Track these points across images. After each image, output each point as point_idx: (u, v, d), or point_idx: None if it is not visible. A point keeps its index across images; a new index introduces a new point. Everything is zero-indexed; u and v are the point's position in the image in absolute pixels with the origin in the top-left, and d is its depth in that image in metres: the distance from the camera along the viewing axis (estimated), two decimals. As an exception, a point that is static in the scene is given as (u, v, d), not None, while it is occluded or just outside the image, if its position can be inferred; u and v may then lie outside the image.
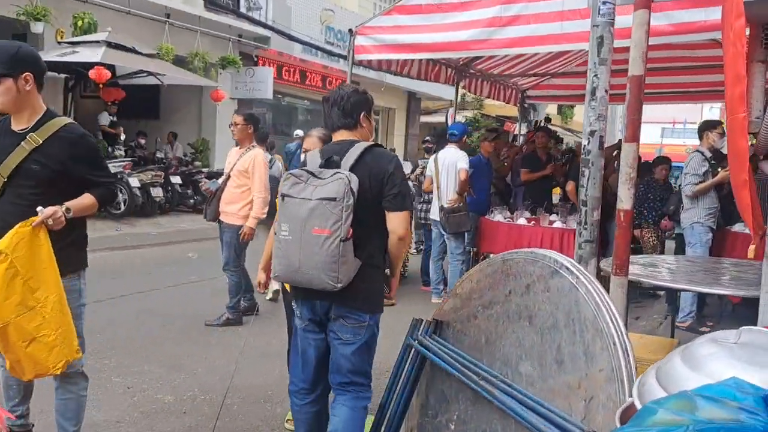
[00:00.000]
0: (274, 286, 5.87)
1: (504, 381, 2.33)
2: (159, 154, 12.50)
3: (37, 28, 9.90)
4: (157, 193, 10.92)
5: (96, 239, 9.10)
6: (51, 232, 2.53)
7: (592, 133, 2.64)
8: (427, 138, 10.75)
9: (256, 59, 14.78)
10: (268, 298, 6.09)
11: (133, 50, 10.38)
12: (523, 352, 2.35)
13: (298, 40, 14.82)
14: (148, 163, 11.76)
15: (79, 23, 10.39)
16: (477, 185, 6.78)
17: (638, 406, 1.29)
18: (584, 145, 2.67)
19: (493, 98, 9.84)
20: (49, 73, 10.68)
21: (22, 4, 9.73)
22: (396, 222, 2.69)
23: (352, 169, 2.61)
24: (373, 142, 2.82)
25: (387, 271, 2.89)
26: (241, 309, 5.48)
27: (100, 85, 10.02)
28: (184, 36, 12.44)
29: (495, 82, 9.38)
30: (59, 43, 10.43)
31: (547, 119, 9.98)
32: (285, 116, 17.94)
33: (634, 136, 2.53)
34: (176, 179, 11.52)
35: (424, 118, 22.22)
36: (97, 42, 9.95)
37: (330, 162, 2.65)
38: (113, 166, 10.27)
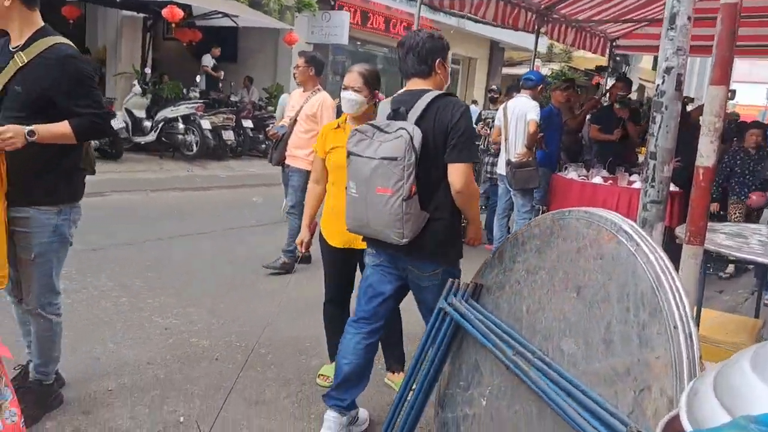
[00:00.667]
0: None
1: (542, 358, 2.01)
2: (234, 98, 12.52)
3: (116, -34, 9.96)
4: (228, 136, 10.96)
5: (166, 179, 9.28)
6: (29, 159, 2.39)
7: (668, 70, 2.15)
8: (493, 87, 10.16)
9: (333, 3, 14.42)
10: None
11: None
12: (567, 326, 2.02)
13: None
14: (222, 106, 11.80)
15: (157, -39, 10.37)
16: (548, 138, 6.26)
17: (684, 420, 0.96)
18: (658, 85, 2.21)
19: (578, 47, 9.10)
20: (127, 12, 10.92)
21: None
22: (455, 175, 2.53)
23: (418, 122, 2.50)
24: (443, 92, 2.66)
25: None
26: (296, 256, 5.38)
27: (173, 25, 10.00)
28: (261, -23, 12.25)
29: (581, 29, 8.65)
30: (138, -19, 10.49)
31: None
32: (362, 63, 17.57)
33: (722, 77, 2.07)
34: (248, 123, 11.52)
35: (506, 70, 21.28)
36: (174, -20, 9.91)
37: (397, 113, 2.56)
38: (186, 107, 10.38)
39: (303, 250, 3.34)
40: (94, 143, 9.43)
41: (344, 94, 3.02)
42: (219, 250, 5.75)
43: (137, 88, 10.51)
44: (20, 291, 2.65)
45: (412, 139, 2.43)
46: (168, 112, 10.45)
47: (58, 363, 2.84)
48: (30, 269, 2.56)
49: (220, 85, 12.84)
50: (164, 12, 9.31)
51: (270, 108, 12.71)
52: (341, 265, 3.25)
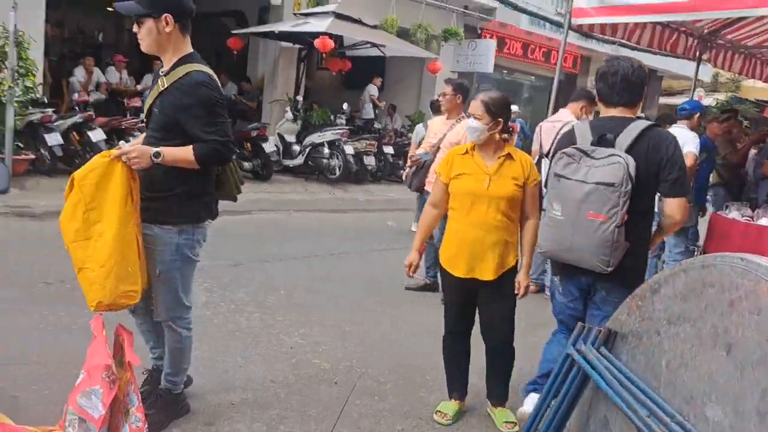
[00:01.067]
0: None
1: (681, 424, 1.76)
2: (377, 125, 12.85)
3: (276, 0, 10.67)
4: (369, 161, 11.25)
5: (310, 201, 9.67)
6: (156, 180, 2.53)
7: None
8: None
9: (479, 32, 14.41)
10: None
11: (359, 21, 10.70)
12: (713, 389, 1.75)
13: (525, 11, 14.08)
14: (365, 132, 12.15)
15: (313, -5, 11.00)
16: (700, 172, 5.72)
17: None
18: None
19: (747, 75, 8.26)
20: (285, 44, 11.62)
21: (264, -22, 10.56)
22: (675, 207, 2.63)
23: (628, 151, 2.54)
24: (650, 122, 2.72)
25: None
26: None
27: (324, 55, 10.49)
28: (409, 8, 12.51)
29: (751, 55, 7.84)
30: (294, 14, 11.15)
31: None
32: (508, 92, 17.35)
33: None
34: (389, 150, 11.76)
35: (664, 100, 19.96)
36: (327, 13, 10.43)
37: (603, 140, 2.60)
38: (332, 133, 10.80)
39: (410, 273, 3.28)
40: (247, 164, 10.08)
41: (467, 122, 3.03)
42: (350, 272, 5.83)
43: (289, 115, 11.14)
44: (152, 303, 2.77)
45: (628, 167, 2.46)
46: (315, 138, 10.96)
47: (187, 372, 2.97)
48: (157, 284, 2.68)
49: (377, 111, 13.30)
50: (316, 42, 9.80)
51: (411, 135, 12.88)
52: (462, 295, 3.15)
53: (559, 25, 14.73)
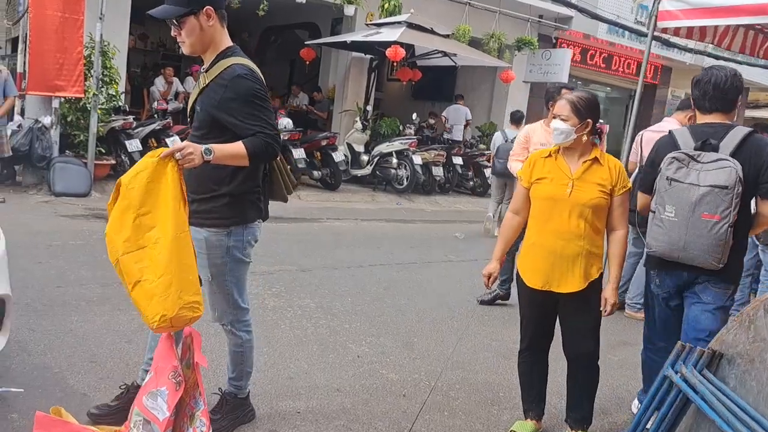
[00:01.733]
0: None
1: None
2: (446, 135, 12.70)
3: (349, 10, 10.73)
4: (437, 172, 11.09)
5: (376, 210, 9.60)
6: (203, 180, 2.42)
7: None
8: None
9: (554, 41, 14.06)
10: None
11: (430, 31, 10.61)
12: None
13: (604, 20, 13.61)
14: (435, 143, 12.02)
15: (386, 5, 10.97)
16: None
17: None
18: None
19: None
20: (356, 54, 11.67)
21: (340, -11, 10.64)
22: None
23: (732, 155, 2.69)
24: (750, 128, 2.82)
25: None
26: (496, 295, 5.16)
27: (394, 65, 10.44)
28: (482, 17, 12.33)
29: None
30: (366, 25, 11.18)
31: None
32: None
33: None
34: (458, 160, 11.56)
35: (750, 113, 18.89)
36: (399, 23, 10.39)
37: (706, 144, 2.74)
38: (400, 143, 10.73)
39: (489, 285, 3.05)
40: (316, 173, 10.12)
41: (553, 123, 2.82)
42: (417, 283, 5.69)
43: (358, 125, 11.15)
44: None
45: (737, 171, 2.63)
46: (384, 147, 10.91)
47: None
48: (210, 288, 2.59)
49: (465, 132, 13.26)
50: (388, 52, 9.76)
51: (482, 146, 12.66)
52: (540, 309, 2.93)
53: (639, 33, 14.23)
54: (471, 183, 12.10)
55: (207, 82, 2.44)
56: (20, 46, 8.67)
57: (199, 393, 2.17)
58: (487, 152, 12.09)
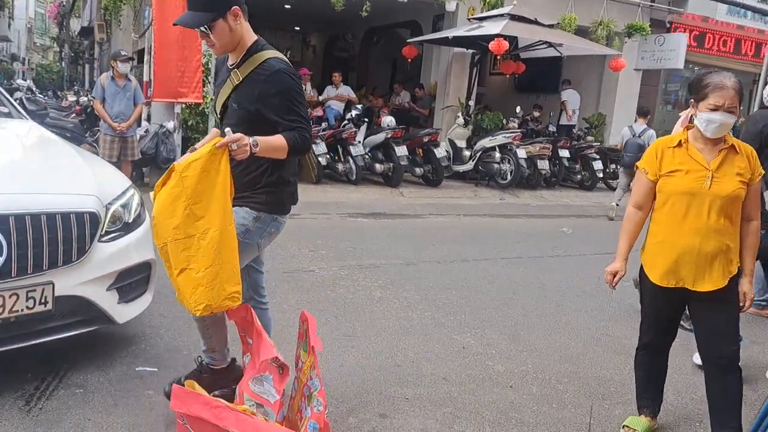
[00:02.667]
0: None
1: None
2: (551, 128, 12.38)
3: (450, 6, 10.74)
4: (543, 165, 10.83)
5: (479, 205, 9.56)
6: (247, 172, 2.47)
7: None
8: None
9: (668, 25, 13.32)
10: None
11: (534, 21, 10.40)
12: None
13: (724, 0, 12.75)
14: (539, 136, 11.76)
15: (488, -1, 10.89)
16: None
17: None
18: None
19: None
20: (458, 49, 11.65)
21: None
22: None
23: None
24: None
25: None
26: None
27: (498, 58, 10.33)
28: (588, 4, 11.93)
29: None
30: (468, 19, 11.13)
31: None
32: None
33: None
34: (565, 153, 11.23)
35: None
36: (501, 16, 10.27)
37: None
38: (504, 137, 10.60)
39: (613, 284, 2.85)
40: (418, 170, 10.21)
41: (714, 116, 2.52)
42: (521, 277, 5.63)
43: (460, 120, 11.12)
44: None
45: None
46: (486, 142, 10.81)
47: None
48: None
49: (551, 114, 12.92)
50: (491, 45, 9.67)
51: (589, 138, 12.24)
52: (666, 307, 2.78)
53: (764, 13, 13.21)
54: (579, 176, 11.72)
55: (242, 78, 2.43)
56: (146, 57, 9.40)
57: (316, 374, 2.30)
58: (595, 144, 11.70)
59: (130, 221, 3.23)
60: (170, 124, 8.50)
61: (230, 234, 2.25)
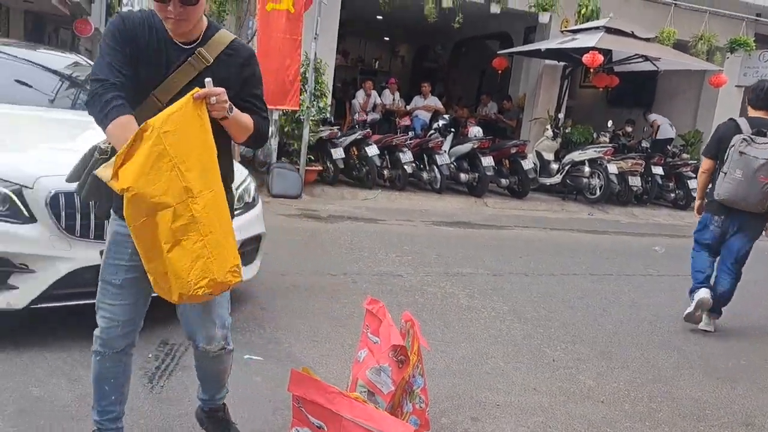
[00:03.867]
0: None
1: None
2: (644, 144, 12.03)
3: (543, 18, 10.68)
4: (634, 182, 10.54)
5: (566, 220, 9.45)
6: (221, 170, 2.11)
7: None
8: None
9: (776, 40, 12.67)
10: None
11: (631, 35, 10.18)
12: None
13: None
14: (630, 151, 11.46)
15: (583, 11, 10.75)
16: None
17: None
18: None
19: None
20: (549, 61, 11.58)
21: (534, -4, 10.63)
22: None
23: None
24: None
25: None
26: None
27: (590, 71, 10.17)
28: (689, 18, 11.55)
29: None
30: (562, 32, 11.02)
31: None
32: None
33: None
34: (658, 170, 10.88)
35: None
36: (596, 28, 10.12)
37: (761, 132, 4.28)
38: (594, 151, 10.41)
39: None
40: (504, 181, 10.19)
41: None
42: (612, 294, 5.55)
43: (549, 132, 11.01)
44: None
45: None
46: (576, 156, 10.65)
47: None
48: None
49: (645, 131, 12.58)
50: (585, 58, 9.54)
51: (685, 155, 11.80)
52: None
53: None
54: (672, 195, 11.32)
55: (211, 60, 2.09)
56: (248, 66, 9.88)
57: (420, 372, 2.41)
58: (691, 162, 11.27)
59: (249, 201, 3.98)
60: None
61: (222, 197, 1.96)
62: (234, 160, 3.93)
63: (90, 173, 2.03)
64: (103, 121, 1.94)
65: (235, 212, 3.28)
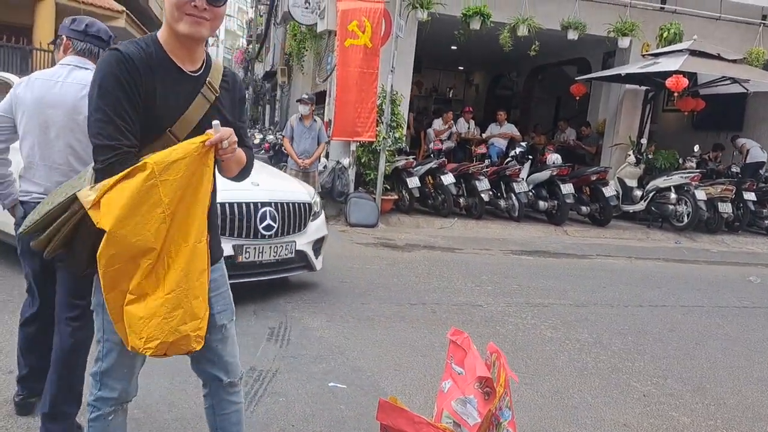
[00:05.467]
0: None
1: None
2: (734, 168, 11.46)
3: (623, 43, 10.46)
4: (724, 209, 10.05)
5: (651, 248, 9.12)
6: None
7: None
8: None
9: None
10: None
11: (717, 56, 9.81)
12: None
13: None
14: (719, 176, 10.95)
15: (665, 34, 10.46)
16: None
17: None
18: None
19: None
20: (630, 86, 11.30)
21: (613, 22, 10.43)
22: None
23: None
24: None
25: None
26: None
27: (675, 94, 9.85)
28: (780, 37, 11.02)
29: None
30: (643, 56, 10.75)
31: None
32: None
33: None
34: (750, 196, 10.33)
35: None
36: (680, 51, 9.81)
37: None
38: (680, 177, 10.02)
39: None
40: (585, 209, 9.97)
41: None
42: (704, 327, 5.28)
43: (632, 158, 10.69)
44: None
45: None
46: (660, 182, 10.28)
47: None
48: (228, 332, 2.19)
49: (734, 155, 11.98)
50: (668, 82, 9.26)
51: (778, 181, 11.15)
52: None
53: None
54: (766, 222, 10.70)
55: (218, 90, 1.92)
56: (327, 99, 10.21)
57: (507, 405, 2.39)
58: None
59: (317, 211, 5.29)
60: (346, 161, 9.13)
61: (201, 252, 1.75)
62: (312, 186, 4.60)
63: (64, 225, 1.75)
64: None
65: (312, 218, 5.09)
